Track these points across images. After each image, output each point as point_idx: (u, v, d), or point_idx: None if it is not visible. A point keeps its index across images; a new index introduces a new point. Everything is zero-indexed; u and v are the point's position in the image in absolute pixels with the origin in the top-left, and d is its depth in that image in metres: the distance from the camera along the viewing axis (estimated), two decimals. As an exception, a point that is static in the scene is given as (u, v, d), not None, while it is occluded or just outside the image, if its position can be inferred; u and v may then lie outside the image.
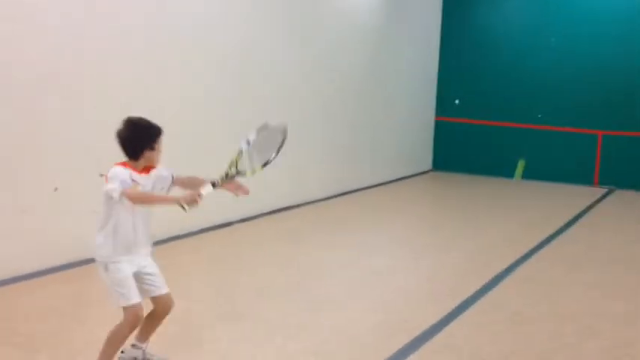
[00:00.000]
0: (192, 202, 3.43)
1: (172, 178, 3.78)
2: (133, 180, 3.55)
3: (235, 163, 3.63)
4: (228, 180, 3.61)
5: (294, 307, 5.19)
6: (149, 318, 3.82)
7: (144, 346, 3.89)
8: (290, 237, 7.41)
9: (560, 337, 4.76)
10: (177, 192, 3.66)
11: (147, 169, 3.67)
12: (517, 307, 5.37)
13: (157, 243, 5.02)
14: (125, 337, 3.66)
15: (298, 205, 9.02)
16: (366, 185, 10.85)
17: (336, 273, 6.22)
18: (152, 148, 3.64)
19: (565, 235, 8.11)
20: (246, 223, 7.84)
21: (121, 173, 3.54)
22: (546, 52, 12.26)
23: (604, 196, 11.11)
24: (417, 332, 4.70)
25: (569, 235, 8.14)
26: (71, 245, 5.81)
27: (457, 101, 13.00)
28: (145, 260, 3.72)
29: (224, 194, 3.76)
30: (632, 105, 11.69)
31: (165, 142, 3.75)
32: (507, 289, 5.89)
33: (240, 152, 3.66)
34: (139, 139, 3.61)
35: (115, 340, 3.64)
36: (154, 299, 3.77)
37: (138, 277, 3.67)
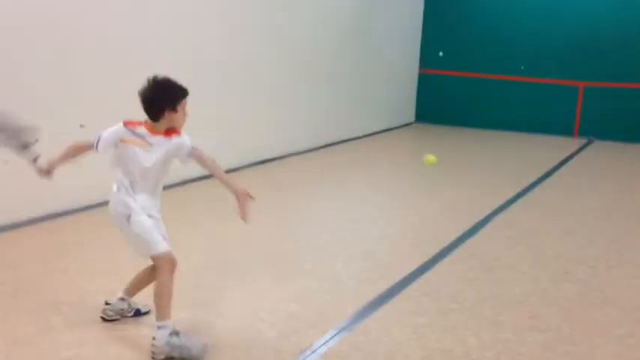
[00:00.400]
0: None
1: (192, 150, 3.61)
2: (135, 137, 3.49)
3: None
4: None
5: (279, 254, 5.29)
6: (144, 273, 3.80)
7: (131, 299, 3.89)
8: (276, 187, 7.48)
9: (536, 282, 4.89)
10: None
11: (169, 132, 3.55)
12: (495, 254, 5.50)
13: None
14: (171, 284, 3.54)
15: (283, 157, 9.08)
16: (350, 137, 10.91)
17: (321, 221, 6.31)
18: (174, 110, 3.50)
19: (544, 184, 8.26)
20: (231, 173, 7.87)
21: (111, 129, 3.54)
22: (530, 4, 12.24)
23: (583, 147, 11.26)
24: (396, 279, 4.82)
25: (548, 184, 8.29)
26: (54, 196, 5.82)
27: (441, 53, 12.99)
28: (157, 213, 3.66)
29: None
30: (613, 56, 11.76)
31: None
32: (486, 236, 6.02)
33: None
34: (160, 99, 3.48)
35: (163, 293, 3.50)
36: None
37: None
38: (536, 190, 7.96)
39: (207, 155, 3.68)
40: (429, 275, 4.96)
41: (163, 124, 3.53)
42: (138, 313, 3.93)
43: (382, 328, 4.00)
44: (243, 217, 3.56)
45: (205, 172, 3.89)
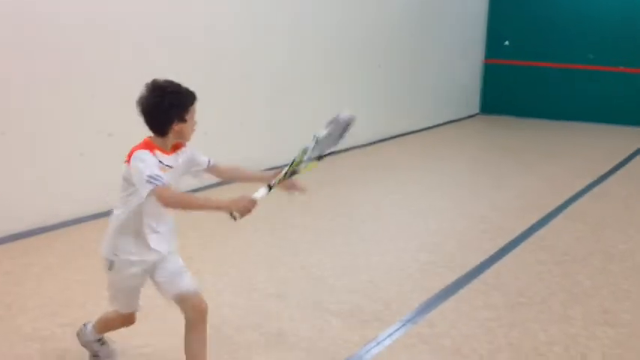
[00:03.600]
0: (245, 210, 2.82)
1: (209, 163, 3.08)
2: (164, 165, 2.83)
3: (298, 163, 3.03)
4: (285, 179, 3.00)
5: (345, 246, 5.32)
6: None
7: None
8: (341, 180, 7.50)
9: (607, 276, 4.77)
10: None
11: (175, 147, 2.94)
12: (565, 246, 5.39)
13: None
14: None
15: (347, 149, 9.09)
16: (414, 129, 10.84)
17: (387, 213, 6.31)
18: (183, 120, 2.86)
19: (616, 176, 8.04)
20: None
21: (150, 163, 2.76)
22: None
23: (658, 137, 10.88)
24: (464, 271, 4.78)
25: (620, 176, 8.06)
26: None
27: (507, 43, 12.76)
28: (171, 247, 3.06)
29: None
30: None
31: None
32: (556, 228, 5.90)
33: (305, 150, 3.06)
34: (167, 108, 2.82)
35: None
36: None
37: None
38: (608, 181, 7.74)
39: (225, 163, 3.18)
40: (496, 267, 4.90)
41: (171, 138, 2.89)
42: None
43: (448, 321, 3.98)
44: (299, 190, 3.10)
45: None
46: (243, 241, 5.30)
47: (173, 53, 6.34)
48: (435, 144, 10.21)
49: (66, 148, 5.57)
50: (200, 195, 2.99)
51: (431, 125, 11.36)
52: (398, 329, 3.85)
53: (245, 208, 2.81)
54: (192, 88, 2.93)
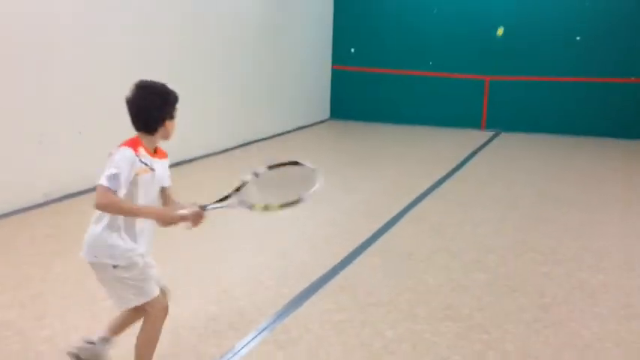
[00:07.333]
0: (198, 219, 3.13)
1: (167, 186, 3.24)
2: (146, 166, 2.98)
3: (235, 190, 3.29)
4: (215, 204, 3.26)
5: (196, 256, 5.28)
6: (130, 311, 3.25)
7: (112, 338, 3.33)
8: (190, 188, 7.40)
9: (449, 273, 5.08)
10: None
11: (157, 153, 3.11)
12: (410, 247, 5.67)
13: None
14: (158, 335, 3.21)
15: (201, 157, 9.02)
16: (265, 136, 10.93)
17: (238, 221, 6.32)
18: (172, 117, 3.07)
19: (455, 177, 8.55)
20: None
21: (123, 163, 2.88)
22: (436, 1, 12.59)
23: (491, 139, 11.69)
24: (316, 275, 4.90)
25: (458, 177, 8.58)
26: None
27: (353, 50, 13.19)
28: (149, 248, 3.20)
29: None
30: (517, 51, 12.25)
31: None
32: (400, 230, 6.19)
33: (244, 183, 3.32)
34: (159, 105, 3.01)
35: (151, 343, 3.18)
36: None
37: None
38: (448, 183, 8.23)
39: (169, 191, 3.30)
40: (346, 271, 5.07)
41: (158, 137, 3.08)
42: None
43: (303, 325, 4.07)
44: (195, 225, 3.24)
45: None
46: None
47: None
48: (286, 150, 10.35)
49: None
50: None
51: (283, 131, 11.52)
52: (254, 337, 3.89)
53: (198, 218, 3.13)
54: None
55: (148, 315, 3.16)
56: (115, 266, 3.02)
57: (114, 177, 2.85)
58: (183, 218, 3.09)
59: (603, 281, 5.01)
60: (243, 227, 6.15)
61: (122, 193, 2.90)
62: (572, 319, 4.31)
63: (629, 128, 11.86)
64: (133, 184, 2.96)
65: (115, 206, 2.89)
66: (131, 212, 2.98)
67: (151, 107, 3.01)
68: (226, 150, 9.67)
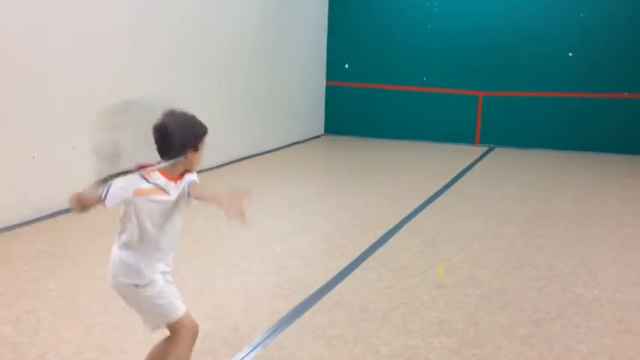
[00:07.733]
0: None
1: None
2: (158, 189, 2.94)
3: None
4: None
5: (188, 271, 5.26)
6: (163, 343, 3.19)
7: None
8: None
9: (443, 288, 5.08)
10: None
11: (182, 175, 3.05)
12: (404, 262, 5.67)
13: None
14: (189, 357, 3.13)
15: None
16: (259, 151, 10.94)
17: (231, 237, 6.31)
18: (197, 149, 3.02)
19: (449, 192, 8.56)
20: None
21: (122, 180, 2.82)
22: (430, 17, 12.68)
23: (485, 154, 11.72)
24: (310, 291, 4.89)
25: (453, 191, 8.60)
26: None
27: (347, 65, 13.24)
28: (168, 266, 3.16)
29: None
30: (510, 67, 12.32)
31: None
32: (395, 245, 6.19)
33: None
34: (183, 136, 2.94)
35: None
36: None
37: None
38: (442, 197, 8.24)
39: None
40: (340, 286, 5.06)
41: (180, 167, 3.01)
42: None
43: (296, 342, 4.06)
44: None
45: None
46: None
47: None
48: (281, 166, 10.36)
49: None
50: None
51: (277, 147, 11.53)
52: (247, 354, 3.88)
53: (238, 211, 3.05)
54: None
55: (179, 336, 3.09)
56: (136, 286, 2.99)
57: (107, 185, 2.83)
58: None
59: (598, 296, 5.01)
60: (236, 243, 6.14)
61: (111, 203, 2.86)
62: (567, 334, 4.30)
63: (622, 143, 11.91)
64: (133, 204, 2.92)
65: (82, 196, 2.85)
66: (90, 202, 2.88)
67: (175, 137, 2.92)
68: (219, 166, 9.66)
